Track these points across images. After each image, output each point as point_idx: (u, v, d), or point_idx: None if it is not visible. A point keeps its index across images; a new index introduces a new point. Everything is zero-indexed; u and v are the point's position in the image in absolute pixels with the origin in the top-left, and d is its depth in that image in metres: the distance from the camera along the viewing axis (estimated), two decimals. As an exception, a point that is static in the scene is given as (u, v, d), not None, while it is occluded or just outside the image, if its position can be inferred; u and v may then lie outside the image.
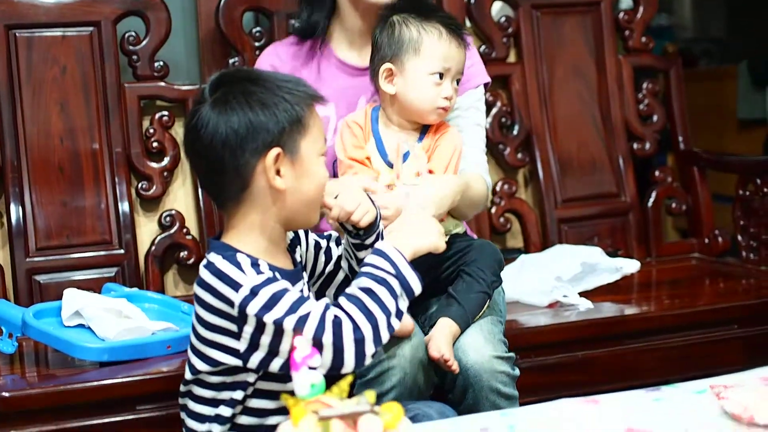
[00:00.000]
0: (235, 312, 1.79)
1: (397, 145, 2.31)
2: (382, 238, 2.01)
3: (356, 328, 1.76)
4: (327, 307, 1.78)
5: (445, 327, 2.19)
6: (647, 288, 3.04)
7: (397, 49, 2.30)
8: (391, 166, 2.31)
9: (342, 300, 1.81)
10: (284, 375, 1.82)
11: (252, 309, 1.76)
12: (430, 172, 2.32)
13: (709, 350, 2.73)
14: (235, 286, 1.78)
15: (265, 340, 1.78)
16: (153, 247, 2.87)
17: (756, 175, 3.16)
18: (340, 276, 2.07)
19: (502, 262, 2.35)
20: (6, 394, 2.18)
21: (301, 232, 2.01)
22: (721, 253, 3.31)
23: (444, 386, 2.22)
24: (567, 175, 3.26)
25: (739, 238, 3.23)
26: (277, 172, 1.82)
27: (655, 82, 3.42)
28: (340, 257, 2.07)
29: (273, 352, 1.79)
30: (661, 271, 3.20)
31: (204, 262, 1.85)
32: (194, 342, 1.89)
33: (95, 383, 2.23)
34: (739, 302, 2.81)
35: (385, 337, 1.80)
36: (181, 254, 2.89)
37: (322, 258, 2.05)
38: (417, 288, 1.85)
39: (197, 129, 1.84)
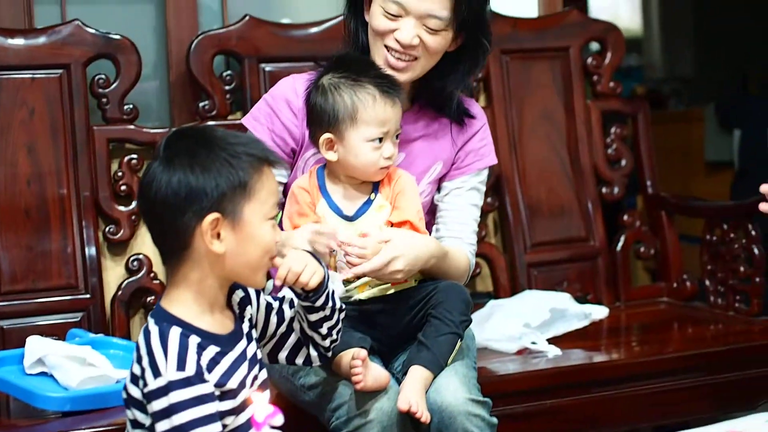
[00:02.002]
0: (142, 390, 1.78)
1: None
2: (332, 300, 1.99)
3: None
4: None
5: (415, 376, 2.18)
6: (616, 334, 3.03)
7: (333, 119, 2.25)
8: (347, 219, 2.29)
9: None
10: None
11: (154, 405, 1.75)
12: (390, 223, 2.30)
13: (677, 397, 2.73)
14: (156, 372, 1.75)
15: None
16: (120, 292, 2.84)
17: (722, 221, 3.17)
18: (293, 338, 2.04)
19: (470, 301, 2.32)
20: (-36, 447, 2.16)
21: (253, 292, 1.98)
22: (690, 298, 3.32)
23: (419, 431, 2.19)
24: (536, 219, 3.27)
25: (707, 282, 3.24)
26: (218, 236, 1.80)
27: (623, 126, 3.44)
28: (292, 319, 2.04)
29: None
30: (630, 316, 3.20)
31: (145, 324, 1.83)
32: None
33: (57, 434, 2.20)
34: (708, 349, 2.81)
35: None
36: (148, 299, 2.86)
37: (273, 319, 2.03)
38: None
39: (143, 185, 1.84)
